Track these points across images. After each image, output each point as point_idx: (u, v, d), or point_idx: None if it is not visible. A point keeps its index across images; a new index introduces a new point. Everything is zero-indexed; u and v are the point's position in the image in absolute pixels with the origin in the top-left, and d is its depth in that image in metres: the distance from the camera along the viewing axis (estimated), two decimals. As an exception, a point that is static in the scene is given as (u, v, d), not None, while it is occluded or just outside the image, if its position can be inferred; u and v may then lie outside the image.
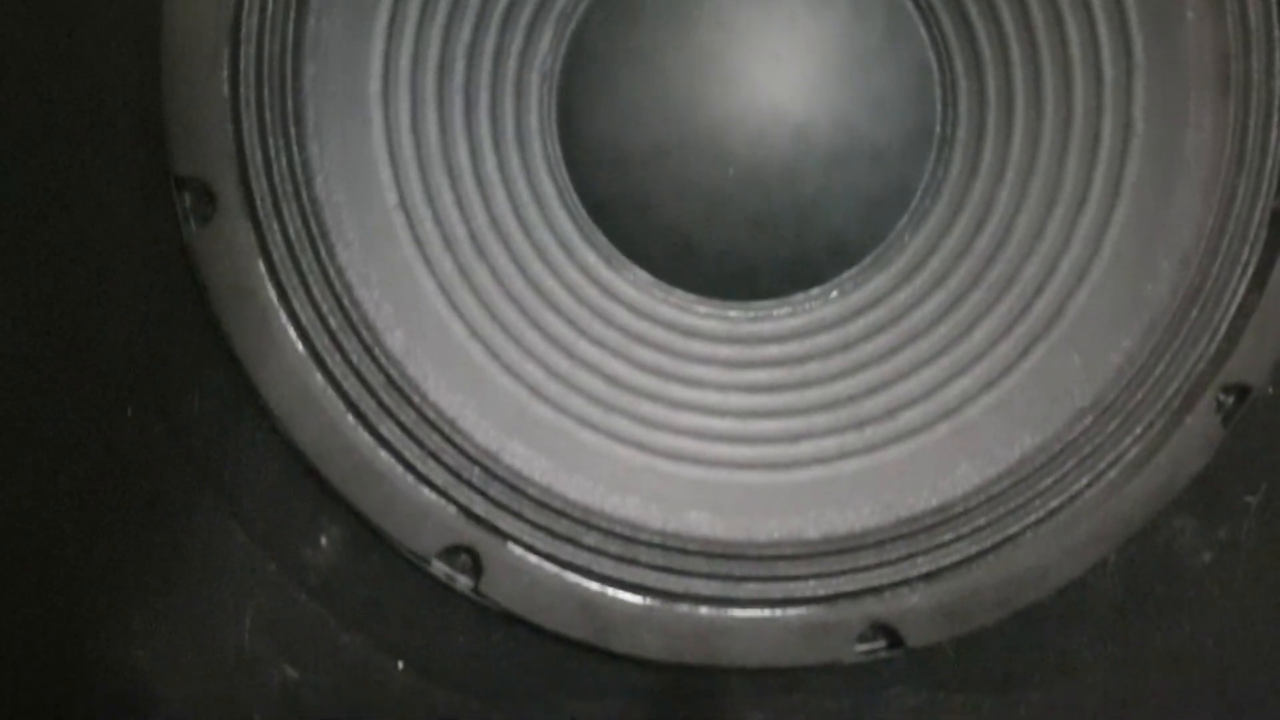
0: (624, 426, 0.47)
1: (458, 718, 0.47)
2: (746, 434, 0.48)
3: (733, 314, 0.50)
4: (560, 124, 0.49)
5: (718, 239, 0.49)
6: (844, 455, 0.47)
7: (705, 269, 0.49)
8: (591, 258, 0.49)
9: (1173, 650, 0.48)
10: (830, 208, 0.49)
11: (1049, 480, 0.46)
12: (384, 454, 0.45)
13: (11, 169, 0.44)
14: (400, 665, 0.47)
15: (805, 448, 0.48)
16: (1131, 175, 0.47)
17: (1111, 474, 0.46)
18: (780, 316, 0.49)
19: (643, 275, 0.49)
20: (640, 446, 0.47)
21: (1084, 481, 0.46)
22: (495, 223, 0.48)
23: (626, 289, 0.49)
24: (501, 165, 0.48)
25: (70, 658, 0.46)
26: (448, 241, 0.47)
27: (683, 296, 0.49)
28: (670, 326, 0.49)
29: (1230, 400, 0.46)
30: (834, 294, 0.49)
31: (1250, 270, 0.46)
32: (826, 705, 0.48)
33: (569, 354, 0.48)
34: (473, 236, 0.48)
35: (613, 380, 0.48)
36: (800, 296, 0.50)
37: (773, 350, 0.49)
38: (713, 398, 0.48)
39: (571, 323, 0.48)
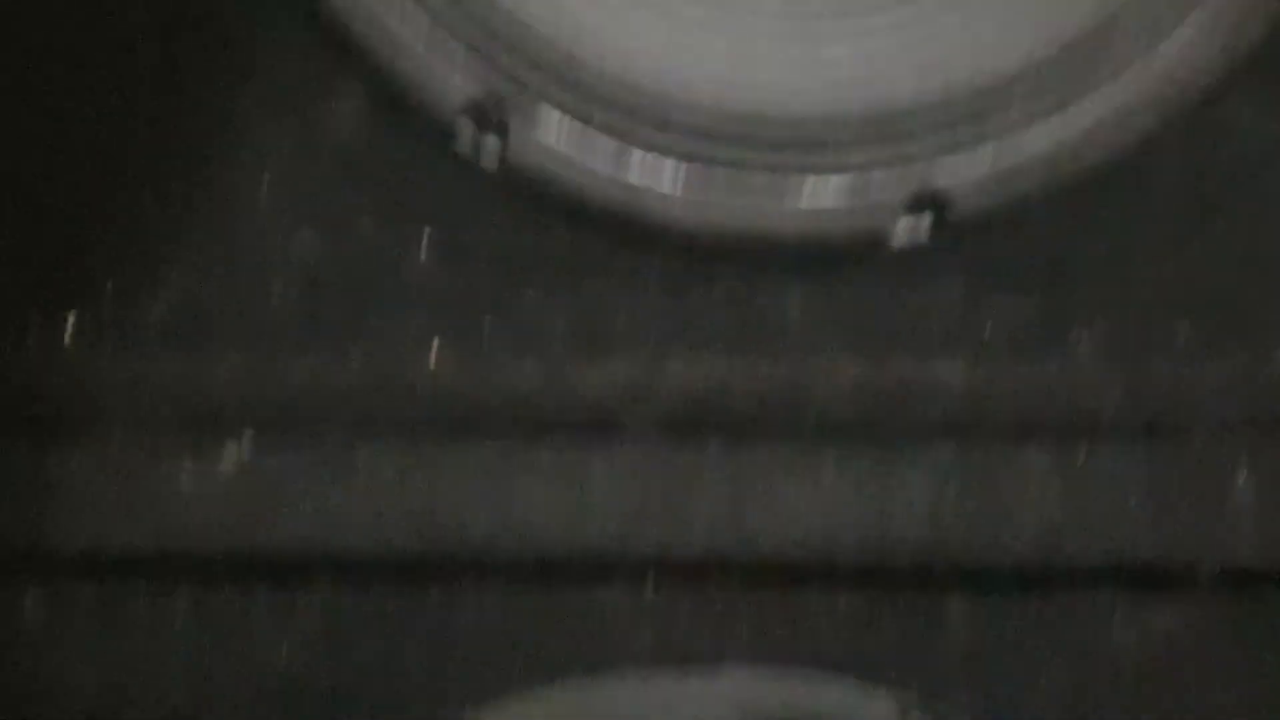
0: None
1: (479, 300, 0.45)
2: (786, 10, 0.46)
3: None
4: None
5: None
6: (890, 29, 0.45)
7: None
8: None
9: (1234, 234, 0.46)
10: None
11: (1100, 51, 0.44)
12: (412, 10, 0.43)
13: None
14: (423, 245, 0.45)
15: (848, 24, 0.45)
16: None
17: (1164, 44, 0.44)
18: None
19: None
20: (676, 17, 0.45)
21: (1137, 49, 0.44)
22: None
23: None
24: None
25: (85, 219, 0.45)
26: None
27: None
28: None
29: (1288, -36, 0.44)
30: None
31: None
32: (866, 294, 0.46)
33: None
34: None
35: None
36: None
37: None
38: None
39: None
